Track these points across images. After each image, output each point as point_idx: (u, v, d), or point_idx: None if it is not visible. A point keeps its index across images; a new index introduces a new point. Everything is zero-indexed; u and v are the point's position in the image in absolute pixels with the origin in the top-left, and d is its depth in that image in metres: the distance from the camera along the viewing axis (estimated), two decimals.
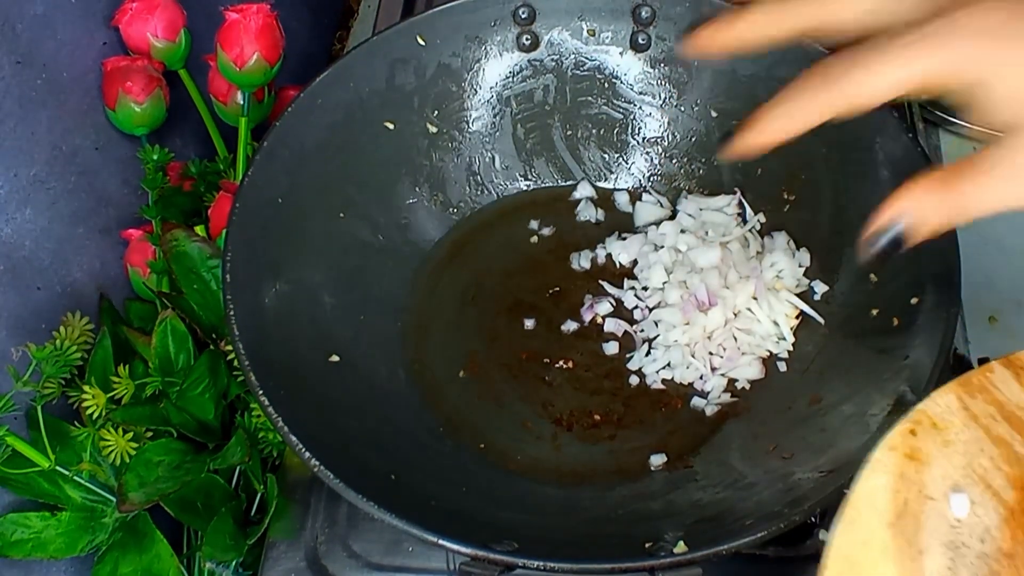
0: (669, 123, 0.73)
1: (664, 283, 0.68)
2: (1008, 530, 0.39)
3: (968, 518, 0.40)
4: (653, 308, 0.67)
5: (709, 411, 0.63)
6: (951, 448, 0.41)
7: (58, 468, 0.61)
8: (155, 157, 0.71)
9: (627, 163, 0.74)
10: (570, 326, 0.67)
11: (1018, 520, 0.40)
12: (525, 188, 0.74)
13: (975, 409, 0.42)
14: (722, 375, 0.64)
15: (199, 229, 0.71)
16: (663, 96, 0.73)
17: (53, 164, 0.66)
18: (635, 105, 0.73)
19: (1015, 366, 0.44)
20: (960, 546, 0.39)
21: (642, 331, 0.67)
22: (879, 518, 0.39)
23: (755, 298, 0.65)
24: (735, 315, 0.65)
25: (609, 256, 0.71)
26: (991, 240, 0.81)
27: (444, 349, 0.67)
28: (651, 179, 0.74)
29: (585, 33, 0.72)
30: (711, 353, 0.65)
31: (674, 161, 0.73)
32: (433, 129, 0.71)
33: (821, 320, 0.64)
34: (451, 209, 0.72)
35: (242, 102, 0.74)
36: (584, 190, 0.74)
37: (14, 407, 0.59)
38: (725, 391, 0.64)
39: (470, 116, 0.73)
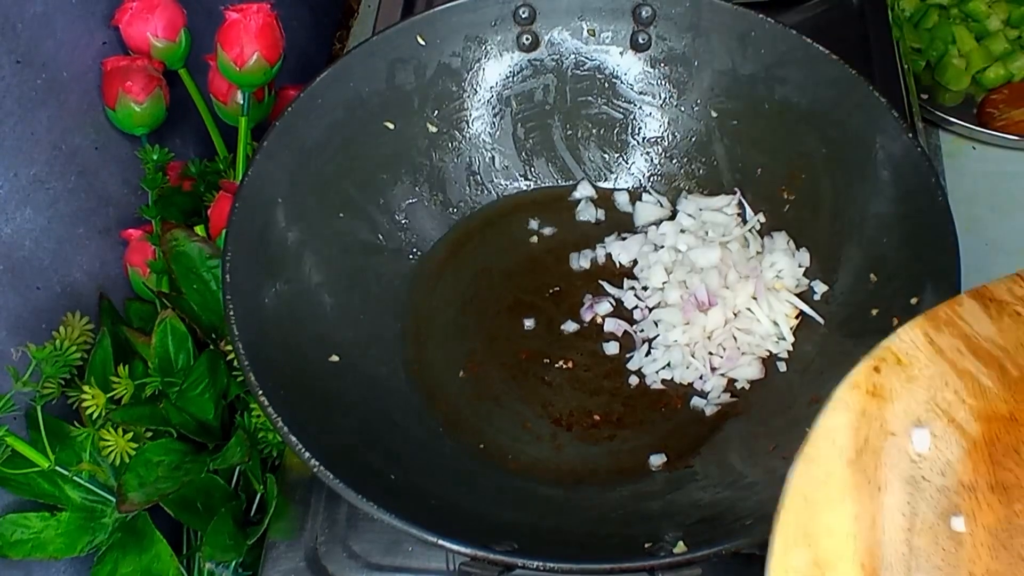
0: (669, 123, 0.73)
1: (664, 283, 0.68)
2: (970, 462, 0.39)
3: (929, 452, 0.39)
4: (653, 308, 0.67)
5: (709, 411, 0.63)
6: (915, 383, 0.41)
7: (58, 468, 0.61)
8: (155, 157, 0.71)
9: (627, 163, 0.74)
10: (570, 326, 0.67)
11: (980, 452, 0.39)
12: (525, 188, 0.74)
13: (941, 343, 0.42)
14: (722, 375, 0.64)
15: (199, 229, 0.71)
16: (663, 96, 0.73)
17: (53, 164, 0.66)
18: (635, 105, 0.73)
19: (985, 298, 0.43)
20: (920, 480, 0.39)
21: (642, 331, 0.67)
22: (839, 456, 0.39)
23: (755, 298, 0.65)
24: (735, 315, 0.65)
25: (609, 256, 0.71)
26: (991, 240, 0.81)
27: (444, 349, 0.67)
28: (651, 179, 0.74)
29: (585, 33, 0.72)
30: (711, 353, 0.65)
31: (674, 161, 0.73)
32: (433, 129, 0.71)
33: (821, 320, 0.64)
34: (451, 209, 0.72)
35: (242, 102, 0.74)
36: (584, 190, 0.74)
37: (14, 407, 0.59)
38: (725, 391, 0.64)
39: (470, 116, 0.72)
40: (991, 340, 0.42)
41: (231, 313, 0.55)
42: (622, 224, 0.72)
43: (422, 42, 0.69)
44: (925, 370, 0.41)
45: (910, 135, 0.61)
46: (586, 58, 0.73)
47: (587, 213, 0.73)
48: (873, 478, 0.38)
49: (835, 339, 0.63)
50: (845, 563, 0.37)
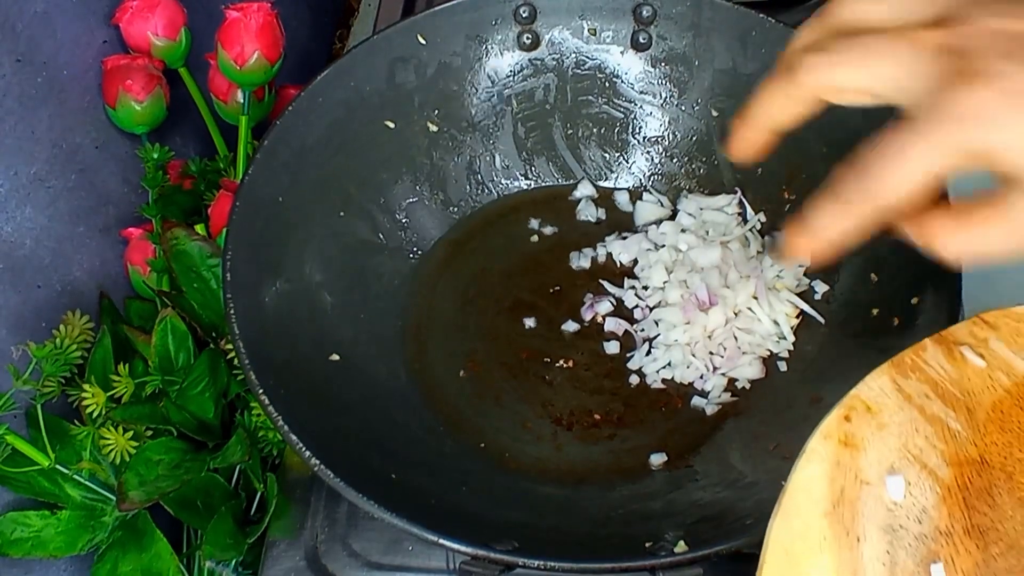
0: (670, 122, 0.73)
1: (664, 282, 0.68)
2: (945, 508, 0.39)
3: (905, 500, 0.39)
4: (653, 307, 0.67)
5: (709, 410, 0.63)
6: (886, 431, 0.41)
7: (58, 467, 0.61)
8: (155, 155, 0.71)
9: (628, 162, 0.74)
10: (570, 325, 0.67)
11: (954, 497, 0.40)
12: (525, 187, 0.74)
13: (909, 389, 0.42)
14: (722, 374, 0.64)
15: (199, 228, 0.71)
16: (664, 95, 0.73)
17: (53, 162, 0.66)
18: (636, 104, 0.73)
19: (947, 343, 0.44)
20: (898, 529, 0.39)
21: (642, 330, 0.67)
22: (816, 508, 0.39)
23: (755, 297, 0.65)
24: (735, 314, 0.65)
25: (609, 255, 0.71)
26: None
27: (444, 348, 0.67)
28: (651, 178, 0.74)
29: (586, 32, 0.72)
30: (711, 352, 0.65)
31: (675, 160, 0.73)
32: (433, 128, 0.71)
33: (821, 320, 0.64)
34: (451, 208, 0.72)
35: (242, 101, 0.74)
36: (584, 189, 0.74)
37: (14, 406, 0.59)
38: (725, 390, 0.64)
39: (471, 115, 0.72)
40: (957, 384, 0.43)
41: (231, 312, 0.55)
42: (622, 223, 0.72)
43: (423, 41, 0.69)
44: (895, 417, 0.41)
45: None
46: (587, 57, 0.73)
47: (587, 212, 0.73)
48: (851, 528, 0.39)
49: (836, 339, 0.63)
50: None
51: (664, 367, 0.65)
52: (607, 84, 0.73)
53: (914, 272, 0.59)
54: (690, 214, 0.71)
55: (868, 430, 0.41)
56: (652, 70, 0.72)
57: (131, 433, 0.61)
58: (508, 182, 0.74)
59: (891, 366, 0.43)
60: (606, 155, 0.74)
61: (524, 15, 0.71)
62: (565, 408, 0.64)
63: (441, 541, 0.49)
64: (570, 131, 0.74)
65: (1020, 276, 0.78)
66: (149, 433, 0.63)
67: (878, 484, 0.40)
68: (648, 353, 0.66)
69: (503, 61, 0.72)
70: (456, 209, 0.72)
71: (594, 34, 0.72)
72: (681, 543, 0.49)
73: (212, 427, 0.65)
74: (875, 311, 0.61)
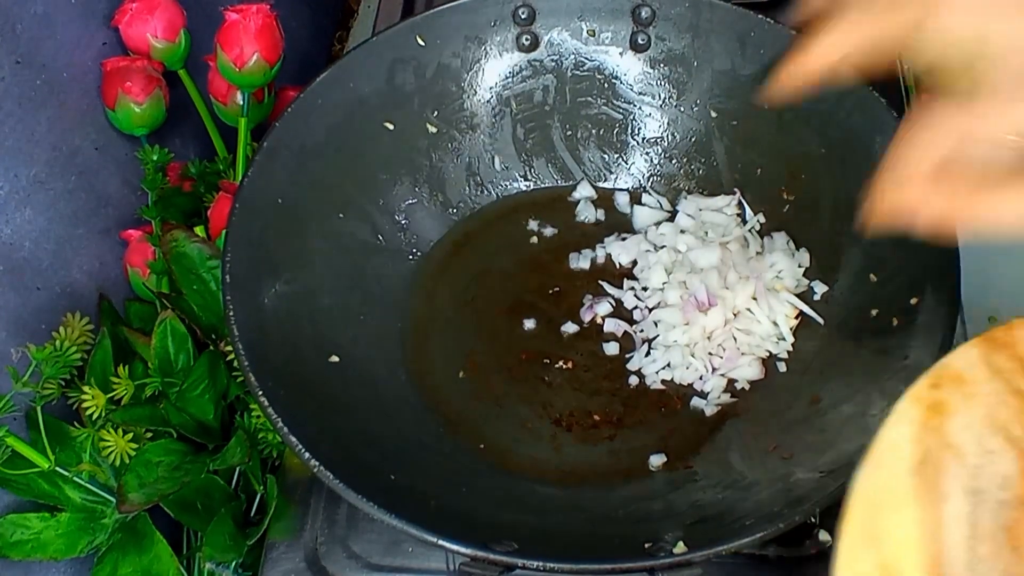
0: (669, 123, 0.73)
1: (664, 283, 0.68)
2: None
3: (988, 466, 0.41)
4: (653, 308, 0.67)
5: (709, 411, 0.63)
6: (973, 400, 0.42)
7: (58, 469, 0.61)
8: (155, 157, 0.71)
9: (627, 163, 0.74)
10: (570, 326, 0.67)
11: None
12: (525, 188, 0.74)
13: (999, 363, 0.43)
14: (722, 375, 0.64)
15: (199, 230, 0.71)
16: (663, 96, 0.73)
17: (53, 164, 0.66)
18: (635, 105, 0.73)
19: None
20: (980, 492, 0.40)
21: (642, 331, 0.67)
22: (902, 465, 0.41)
23: (755, 298, 0.65)
24: (735, 315, 0.65)
25: (609, 256, 0.71)
26: (990, 240, 0.80)
27: (444, 349, 0.67)
28: (651, 179, 0.74)
29: (585, 33, 0.72)
30: (711, 353, 0.65)
31: (674, 161, 0.73)
32: (433, 129, 0.71)
33: (821, 320, 0.64)
34: (451, 209, 0.72)
35: (242, 102, 0.74)
36: (584, 190, 0.74)
37: (14, 408, 0.59)
38: (725, 391, 0.64)
39: (470, 116, 0.73)
40: None
41: (231, 314, 0.55)
42: (622, 224, 0.72)
43: (422, 43, 0.69)
44: (982, 388, 0.43)
45: None
46: (586, 59, 0.73)
47: (587, 213, 0.73)
48: (935, 487, 0.40)
49: (835, 340, 0.63)
50: (910, 566, 0.39)
51: (663, 368, 0.65)
52: (606, 85, 0.73)
53: (913, 272, 0.59)
54: (689, 215, 0.71)
55: (956, 398, 0.42)
56: (651, 71, 0.72)
57: (131, 435, 0.61)
58: (507, 183, 0.74)
59: (982, 341, 0.44)
60: (605, 156, 0.74)
61: (523, 16, 0.71)
62: (565, 409, 0.64)
63: (440, 542, 0.49)
64: (569, 132, 0.74)
65: (1020, 278, 0.78)
66: (149, 435, 0.63)
67: (963, 449, 0.41)
68: (647, 354, 0.66)
69: (502, 62, 0.72)
70: (455, 210, 0.72)
71: (593, 35, 0.72)
72: (681, 544, 0.49)
73: (212, 429, 0.65)
74: (874, 311, 0.61)
